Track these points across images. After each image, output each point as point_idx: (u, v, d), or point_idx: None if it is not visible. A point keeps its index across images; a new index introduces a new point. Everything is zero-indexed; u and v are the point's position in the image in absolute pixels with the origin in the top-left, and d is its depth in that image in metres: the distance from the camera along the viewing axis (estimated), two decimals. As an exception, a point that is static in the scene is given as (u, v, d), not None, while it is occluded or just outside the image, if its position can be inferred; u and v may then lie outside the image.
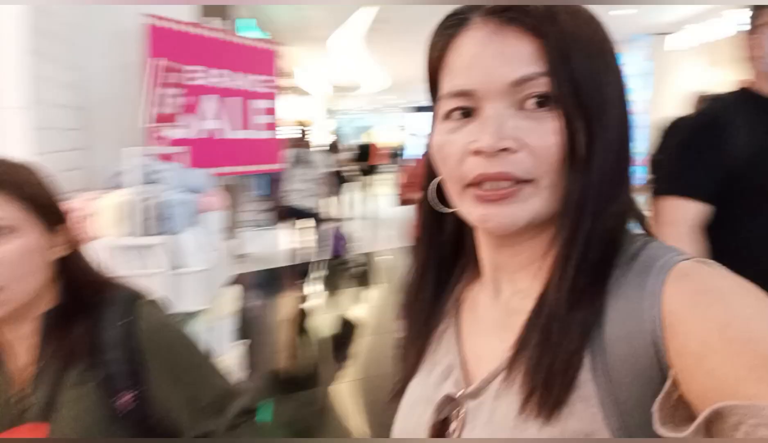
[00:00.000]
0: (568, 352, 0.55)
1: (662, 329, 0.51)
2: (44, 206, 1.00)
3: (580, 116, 0.56)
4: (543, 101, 0.56)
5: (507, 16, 0.57)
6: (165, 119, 2.26)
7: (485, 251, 0.69)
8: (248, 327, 4.91)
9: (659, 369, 0.52)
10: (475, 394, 0.64)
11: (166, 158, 2.38)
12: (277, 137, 3.18)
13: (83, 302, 1.04)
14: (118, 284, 1.13)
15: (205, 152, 2.64)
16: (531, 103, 0.57)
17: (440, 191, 0.67)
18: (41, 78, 1.94)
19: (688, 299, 0.52)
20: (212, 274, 2.17)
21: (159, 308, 1.11)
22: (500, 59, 0.57)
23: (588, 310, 0.56)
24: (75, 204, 2.00)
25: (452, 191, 0.63)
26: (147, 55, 2.28)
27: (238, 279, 4.07)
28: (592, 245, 0.58)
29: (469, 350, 0.69)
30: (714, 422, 0.43)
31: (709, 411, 0.43)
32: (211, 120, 2.72)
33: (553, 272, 0.59)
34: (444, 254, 0.74)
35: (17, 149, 1.87)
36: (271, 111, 3.14)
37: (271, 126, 3.14)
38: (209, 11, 3.49)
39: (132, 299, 1.07)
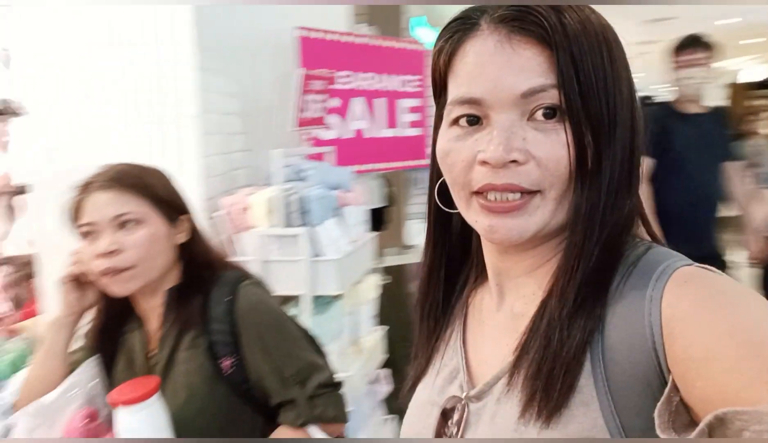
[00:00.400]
0: (568, 358, 0.55)
1: (661, 335, 0.51)
2: (167, 202, 1.20)
3: (589, 128, 0.56)
4: (552, 113, 0.56)
5: (516, 26, 0.56)
6: (313, 122, 2.49)
7: (489, 256, 0.69)
8: (397, 314, 5.10)
9: (659, 374, 0.51)
10: (478, 397, 0.64)
11: (315, 157, 2.63)
12: (423, 133, 3.30)
13: (200, 280, 1.25)
14: (231, 265, 1.32)
15: (351, 150, 2.84)
16: (539, 114, 0.56)
17: (446, 191, 0.66)
18: (209, 90, 2.26)
19: (688, 304, 0.51)
20: (348, 263, 2.34)
21: (259, 289, 1.27)
22: (509, 69, 0.56)
23: (589, 316, 0.56)
24: (234, 199, 2.31)
25: (458, 198, 0.63)
26: (299, 64, 2.52)
27: (406, 269, 4.26)
28: (597, 254, 0.57)
29: (474, 353, 0.69)
30: (716, 427, 0.42)
31: (711, 416, 0.42)
32: (358, 120, 2.91)
33: (557, 279, 0.59)
34: (452, 256, 0.73)
35: (191, 152, 2.21)
36: (418, 109, 3.26)
37: (418, 123, 3.27)
38: (373, 18, 3.72)
39: (237, 280, 1.24)
